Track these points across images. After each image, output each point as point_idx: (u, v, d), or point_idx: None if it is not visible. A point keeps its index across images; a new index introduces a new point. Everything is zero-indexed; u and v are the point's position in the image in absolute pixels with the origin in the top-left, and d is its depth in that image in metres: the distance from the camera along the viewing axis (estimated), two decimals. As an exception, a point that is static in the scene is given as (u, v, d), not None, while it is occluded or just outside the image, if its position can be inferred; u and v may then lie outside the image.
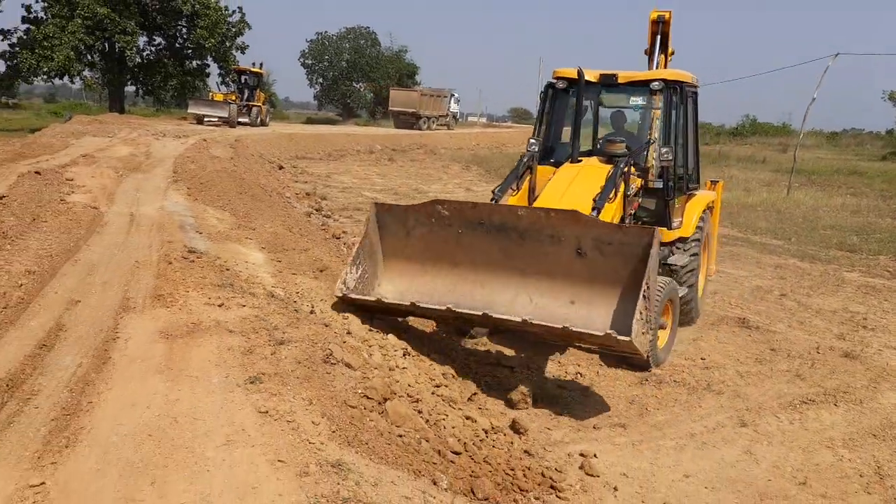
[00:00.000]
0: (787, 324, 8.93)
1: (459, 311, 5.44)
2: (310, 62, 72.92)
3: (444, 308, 5.46)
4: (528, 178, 7.49)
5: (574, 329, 4.98)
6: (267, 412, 3.59)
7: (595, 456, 5.03)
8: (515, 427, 5.13)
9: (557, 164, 7.46)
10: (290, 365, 4.28)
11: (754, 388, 6.73)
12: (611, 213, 6.62)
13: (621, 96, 8.13)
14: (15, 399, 3.50)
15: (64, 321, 4.65)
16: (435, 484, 3.56)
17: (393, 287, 6.46)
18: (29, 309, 4.84)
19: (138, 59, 36.62)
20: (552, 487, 4.35)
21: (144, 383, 3.76)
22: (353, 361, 4.66)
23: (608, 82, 7.89)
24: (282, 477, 2.98)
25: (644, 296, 5.05)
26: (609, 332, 4.89)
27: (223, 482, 2.87)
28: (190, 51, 39.39)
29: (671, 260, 7.82)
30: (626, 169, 6.87)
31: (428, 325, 7.10)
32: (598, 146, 8.19)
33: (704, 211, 8.56)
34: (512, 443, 4.84)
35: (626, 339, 4.82)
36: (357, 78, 72.16)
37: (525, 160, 7.41)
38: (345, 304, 6.00)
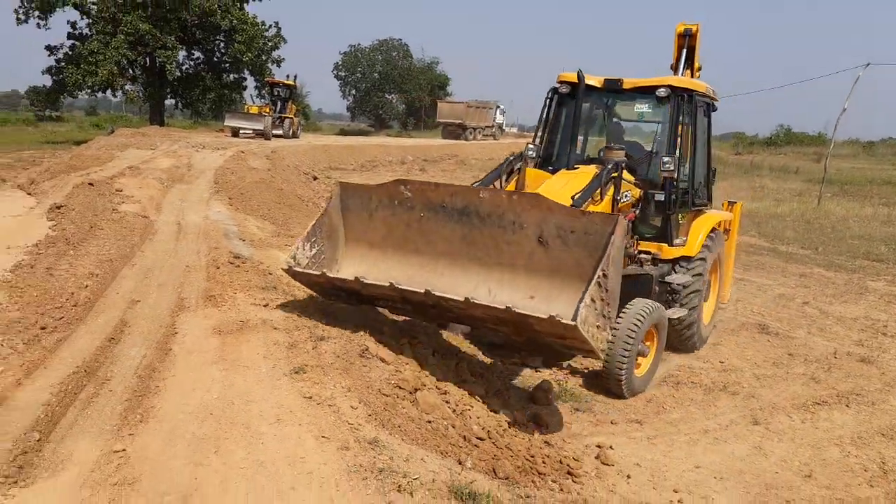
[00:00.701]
0: (807, 330, 9.16)
1: (401, 287, 5.13)
2: (343, 74, 74.18)
3: (387, 284, 5.17)
4: (514, 179, 7.27)
5: (516, 311, 4.61)
6: (311, 397, 4.03)
7: (611, 448, 5.38)
8: (537, 420, 5.50)
9: (556, 171, 7.17)
10: (330, 358, 4.72)
11: (769, 389, 7.01)
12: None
13: (627, 103, 7.82)
14: (92, 383, 3.99)
15: (127, 318, 5.16)
16: (460, 463, 3.96)
17: (351, 272, 6.04)
18: (95, 307, 5.36)
19: (178, 73, 37.75)
20: (569, 473, 4.71)
21: (202, 372, 4.23)
22: (386, 357, 5.09)
23: (613, 88, 7.60)
24: (325, 449, 3.41)
25: (598, 283, 4.68)
26: (553, 314, 4.50)
27: (275, 452, 3.32)
28: (227, 65, 40.46)
29: (671, 278, 7.37)
30: (615, 173, 6.61)
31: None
32: (599, 155, 7.71)
33: (713, 230, 8.04)
34: (533, 434, 5.21)
35: (571, 323, 4.39)
36: (389, 89, 73.20)
37: (511, 160, 7.24)
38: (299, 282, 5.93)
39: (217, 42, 39.70)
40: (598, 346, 4.76)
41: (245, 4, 37.23)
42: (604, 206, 6.47)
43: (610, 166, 6.70)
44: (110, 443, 3.32)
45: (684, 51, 8.69)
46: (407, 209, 5.87)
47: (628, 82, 7.41)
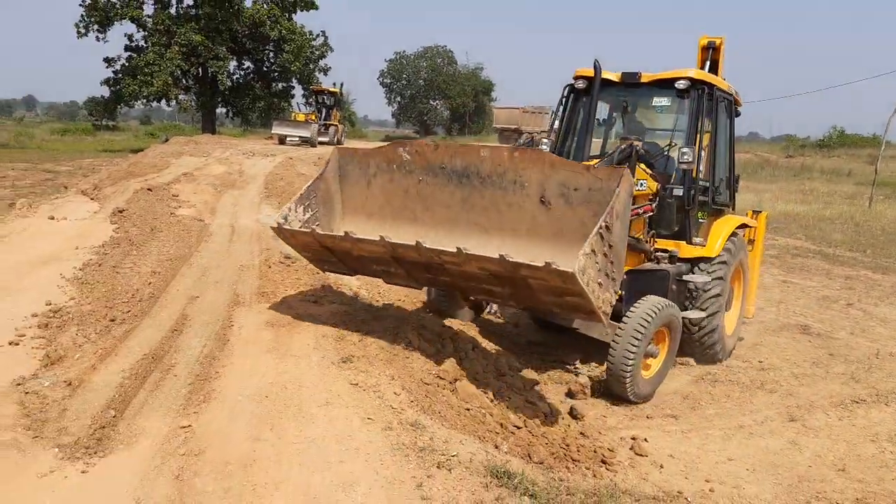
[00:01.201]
0: (850, 331, 9.14)
1: (391, 241, 4.84)
2: (388, 81, 75.17)
3: (377, 238, 4.87)
4: None
5: (510, 259, 4.29)
6: (357, 384, 4.33)
7: (645, 440, 5.55)
8: (573, 413, 5.70)
9: None
10: (375, 350, 5.02)
11: (807, 388, 7.06)
12: None
13: (646, 99, 7.50)
14: (159, 369, 4.35)
15: (187, 312, 5.54)
16: (496, 447, 4.20)
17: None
18: (158, 302, 5.75)
19: (229, 83, 38.81)
20: (603, 462, 4.91)
21: (258, 360, 4.56)
22: (427, 350, 5.36)
23: (630, 82, 7.31)
24: (370, 429, 3.70)
25: (601, 234, 4.37)
26: (549, 261, 4.17)
27: (325, 430, 3.61)
28: (276, 74, 41.44)
29: (689, 277, 7.06)
30: (630, 152, 6.45)
31: (495, 325, 7.75)
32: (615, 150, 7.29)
33: (735, 234, 7.71)
34: (569, 426, 5.42)
35: (568, 270, 4.08)
36: (434, 95, 73.90)
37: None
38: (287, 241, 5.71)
39: (266, 52, 40.69)
40: (599, 304, 4.43)
41: (293, 15, 38.09)
42: None
43: (623, 146, 6.54)
44: (177, 420, 3.67)
45: (707, 63, 8.47)
46: (405, 173, 5.67)
47: (646, 76, 7.22)
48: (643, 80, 7.20)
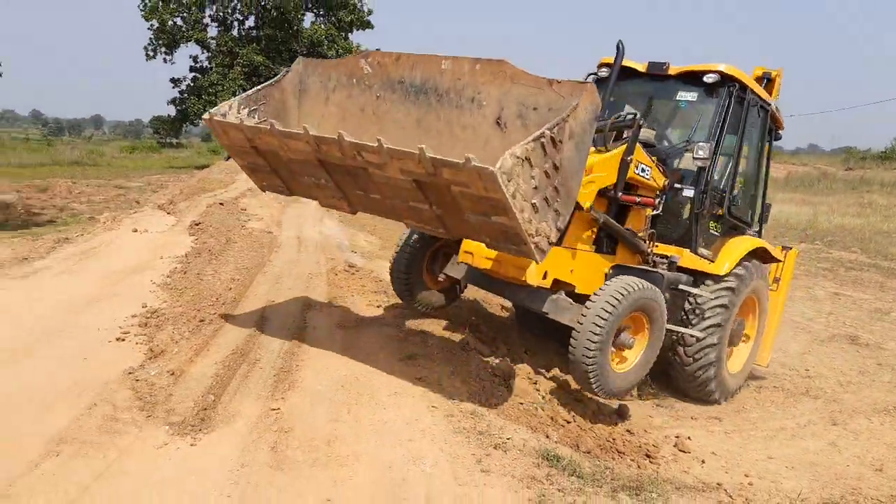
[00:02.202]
0: (900, 342, 9.25)
1: (315, 134, 4.28)
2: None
3: (301, 132, 4.33)
4: None
5: (430, 156, 3.73)
6: (421, 378, 4.83)
7: (689, 438, 5.87)
8: (620, 412, 6.07)
9: None
10: (435, 349, 5.51)
11: (852, 395, 7.27)
12: (597, 164, 5.32)
13: (671, 91, 6.73)
14: (246, 362, 4.92)
15: (266, 314, 6.12)
16: (547, 437, 4.62)
17: None
18: (239, 305, 6.36)
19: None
20: (647, 455, 5.27)
21: (332, 356, 5.10)
22: (482, 350, 5.83)
23: (657, 72, 6.71)
24: (435, 415, 4.18)
25: (542, 146, 3.79)
26: (468, 156, 3.61)
27: (395, 415, 4.11)
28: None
29: (689, 288, 6.29)
30: (629, 123, 5.63)
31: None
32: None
33: (752, 258, 6.88)
34: (616, 423, 5.80)
35: (488, 168, 3.54)
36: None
37: None
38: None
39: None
40: (530, 231, 3.87)
41: (350, 34, 39.23)
42: (609, 158, 5.44)
43: (625, 115, 5.80)
44: (268, 403, 4.21)
45: None
46: (364, 89, 5.26)
47: (675, 68, 6.60)
48: (670, 71, 6.61)
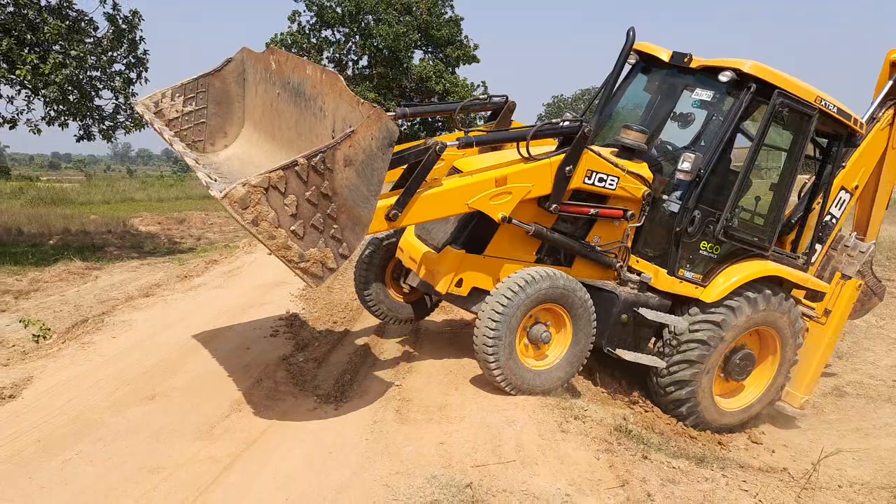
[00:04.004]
0: None
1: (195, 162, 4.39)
2: (547, 123, 77.15)
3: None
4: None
5: (211, 191, 3.66)
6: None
7: (763, 433, 6.48)
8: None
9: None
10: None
11: (936, 404, 7.56)
12: (514, 175, 5.10)
13: (690, 87, 6.18)
14: (372, 354, 6.02)
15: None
16: (624, 419, 5.40)
17: (227, 154, 5.59)
18: (363, 313, 7.49)
19: (405, 129, 42.21)
20: (719, 443, 5.93)
21: (442, 349, 6.12)
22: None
23: (678, 64, 6.13)
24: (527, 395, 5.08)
25: (298, 174, 3.68)
26: (209, 179, 3.75)
27: (493, 392, 5.04)
28: (440, 123, 44.45)
29: (649, 313, 5.62)
30: (571, 130, 5.26)
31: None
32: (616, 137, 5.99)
33: (757, 286, 5.94)
34: (693, 417, 6.47)
35: (216, 194, 3.55)
36: (592, 136, 74.87)
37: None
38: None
39: (433, 104, 43.81)
40: (287, 255, 3.81)
41: (457, 69, 40.94)
42: (532, 170, 5.17)
43: (564, 121, 5.40)
44: (390, 380, 5.28)
45: (889, 83, 7.11)
46: (271, 85, 5.26)
47: (697, 61, 5.98)
48: (693, 64, 6.02)
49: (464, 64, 40.63)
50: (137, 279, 10.94)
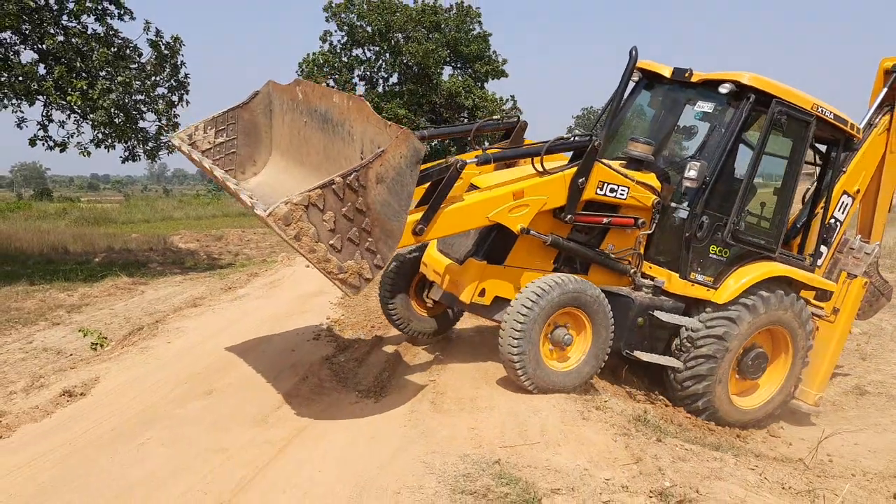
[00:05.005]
0: None
1: (237, 189, 4.70)
2: (577, 134, 77.59)
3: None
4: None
5: (254, 209, 4.07)
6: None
7: (782, 427, 6.76)
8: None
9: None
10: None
11: (956, 403, 7.75)
12: (531, 188, 5.46)
13: (692, 101, 6.52)
14: (408, 355, 6.46)
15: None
16: (644, 412, 5.75)
17: (257, 181, 5.94)
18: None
19: (427, 149, 42.83)
20: (737, 436, 6.24)
21: (472, 350, 6.54)
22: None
23: (680, 79, 6.46)
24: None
25: (335, 192, 4.01)
26: (253, 200, 4.14)
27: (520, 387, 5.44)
28: (469, 137, 44.98)
29: (668, 318, 5.93)
30: (581, 144, 5.66)
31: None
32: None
33: (769, 284, 6.23)
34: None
35: (261, 212, 3.90)
36: (622, 147, 75.15)
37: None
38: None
39: (462, 119, 44.44)
40: (328, 267, 4.15)
41: (485, 84, 41.50)
42: (547, 183, 5.53)
43: (574, 137, 5.81)
44: (425, 377, 5.72)
45: (884, 90, 7.37)
46: (298, 114, 5.57)
47: (698, 75, 6.32)
48: (693, 78, 6.35)
49: (492, 79, 41.15)
50: (182, 293, 11.57)
